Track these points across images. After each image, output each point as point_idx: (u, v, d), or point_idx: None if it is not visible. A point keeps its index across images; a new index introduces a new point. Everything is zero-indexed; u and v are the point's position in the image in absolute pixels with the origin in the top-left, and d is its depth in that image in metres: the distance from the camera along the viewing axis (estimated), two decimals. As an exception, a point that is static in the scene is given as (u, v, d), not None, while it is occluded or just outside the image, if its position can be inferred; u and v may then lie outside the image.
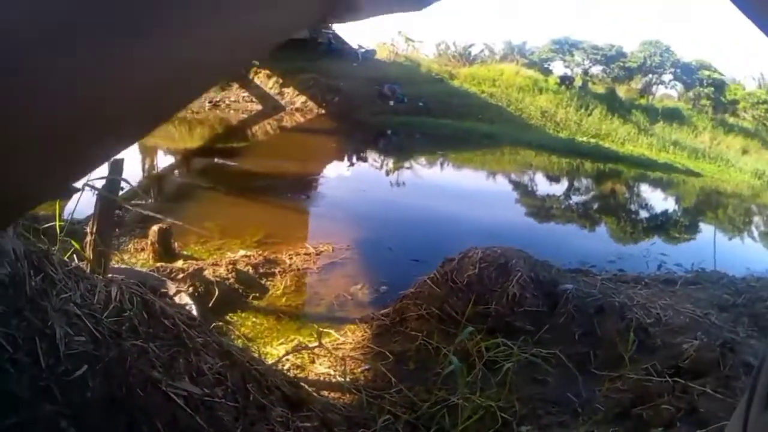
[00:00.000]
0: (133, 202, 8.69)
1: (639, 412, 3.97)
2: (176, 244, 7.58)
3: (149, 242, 7.26)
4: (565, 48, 38.67)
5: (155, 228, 7.23)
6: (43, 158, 0.54)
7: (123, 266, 5.98)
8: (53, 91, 0.46)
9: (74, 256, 3.64)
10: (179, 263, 6.88)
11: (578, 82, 32.31)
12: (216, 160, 14.65)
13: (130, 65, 0.49)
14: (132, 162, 12.57)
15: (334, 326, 5.88)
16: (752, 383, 0.77)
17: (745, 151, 28.58)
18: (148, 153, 15.44)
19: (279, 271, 7.19)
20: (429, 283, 6.02)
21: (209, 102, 24.41)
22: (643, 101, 34.16)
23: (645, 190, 19.18)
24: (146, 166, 14.09)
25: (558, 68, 37.87)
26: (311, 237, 8.84)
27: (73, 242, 3.81)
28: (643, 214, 15.58)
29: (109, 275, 3.46)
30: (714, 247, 7.63)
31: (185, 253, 7.54)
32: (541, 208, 14.26)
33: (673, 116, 31.60)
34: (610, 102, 30.06)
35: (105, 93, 0.51)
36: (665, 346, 4.81)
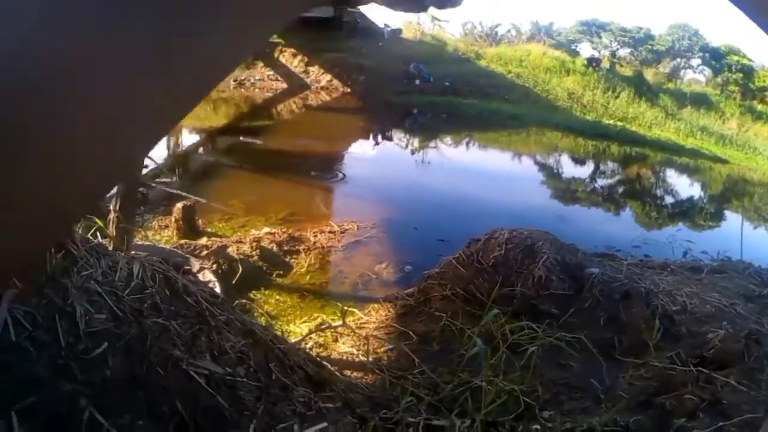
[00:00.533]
0: (157, 180, 8.71)
1: (662, 401, 3.93)
2: (200, 221, 7.61)
3: (173, 219, 7.28)
4: (592, 30, 38.27)
5: (179, 205, 7.25)
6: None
7: (146, 243, 5.98)
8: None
9: (97, 233, 3.62)
10: (203, 240, 6.91)
11: (606, 65, 31.96)
12: (241, 138, 14.69)
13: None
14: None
15: (358, 305, 5.87)
16: None
17: (773, 139, 28.10)
18: (173, 131, 15.50)
19: (303, 249, 7.18)
20: (454, 263, 5.99)
21: (234, 80, 24.45)
22: (670, 85, 33.78)
23: (671, 175, 18.93)
24: (171, 145, 14.14)
25: (585, 50, 37.57)
26: (336, 215, 8.82)
27: (96, 220, 3.79)
28: (669, 199, 15.38)
29: (132, 252, 3.44)
30: (741, 236, 7.48)
31: (209, 230, 7.56)
32: (567, 191, 14.18)
33: (700, 101, 31.14)
34: (637, 85, 29.67)
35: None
36: (690, 334, 4.76)
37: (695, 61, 38.11)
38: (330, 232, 7.86)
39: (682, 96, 31.13)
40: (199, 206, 7.69)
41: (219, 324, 2.89)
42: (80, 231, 2.89)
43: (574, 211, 12.50)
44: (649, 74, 33.48)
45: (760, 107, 32.96)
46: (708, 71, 37.66)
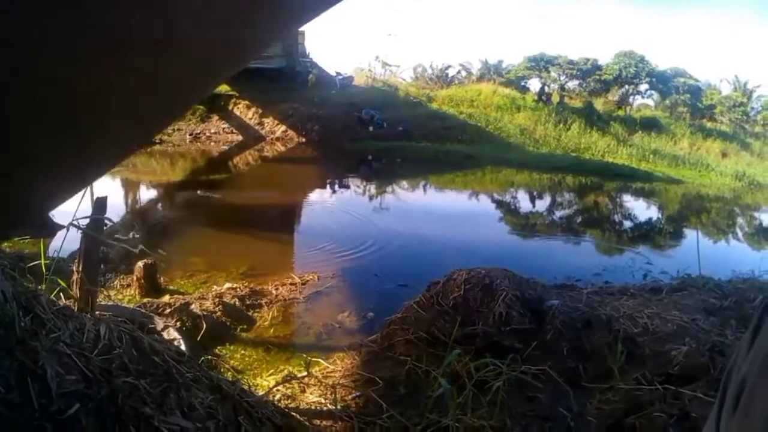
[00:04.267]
0: (117, 236, 8.68)
1: (632, 421, 4.02)
2: (162, 279, 7.58)
3: (135, 278, 7.25)
4: (540, 65, 38.88)
5: (140, 264, 7.22)
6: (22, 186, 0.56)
7: (110, 303, 5.97)
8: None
9: (61, 294, 3.65)
10: (166, 298, 6.87)
11: (555, 99, 32.65)
12: (199, 192, 14.66)
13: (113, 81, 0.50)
14: (115, 197, 12.58)
15: (323, 355, 5.87)
16: (722, 386, 0.80)
17: (724, 155, 29.17)
18: (130, 187, 15.48)
19: (266, 302, 7.17)
20: (415, 307, 6.05)
21: (189, 134, 24.48)
22: (621, 113, 34.74)
23: (627, 200, 19.35)
24: (129, 201, 14.10)
25: (535, 85, 38.11)
26: (296, 267, 8.84)
27: (59, 281, 3.81)
28: (627, 224, 15.70)
29: (97, 313, 3.47)
30: (698, 252, 7.67)
31: (171, 287, 7.53)
32: (525, 225, 14.34)
33: (651, 125, 32.09)
34: (588, 116, 30.37)
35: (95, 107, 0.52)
36: (654, 354, 4.89)
37: (643, 87, 39.03)
38: (291, 284, 7.85)
39: (633, 122, 32.18)
40: (161, 263, 7.67)
41: (186, 381, 2.92)
42: (46, 293, 2.91)
43: (534, 244, 12.66)
44: (598, 104, 34.41)
45: (709, 125, 34.51)
46: (656, 95, 38.73)
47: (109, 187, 13.63)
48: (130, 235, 9.69)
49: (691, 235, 13.54)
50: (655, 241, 13.51)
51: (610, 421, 4.17)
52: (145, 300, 6.77)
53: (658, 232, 14.84)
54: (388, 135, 24.86)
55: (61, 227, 4.01)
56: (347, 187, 17.96)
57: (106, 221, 4.80)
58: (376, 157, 22.62)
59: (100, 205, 4.62)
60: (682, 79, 36.88)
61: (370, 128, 25.17)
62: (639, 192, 20.49)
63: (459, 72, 40.81)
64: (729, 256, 11.93)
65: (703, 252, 7.82)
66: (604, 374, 4.86)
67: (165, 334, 5.12)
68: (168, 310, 6.28)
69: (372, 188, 17.66)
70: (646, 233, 14.43)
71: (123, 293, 7.25)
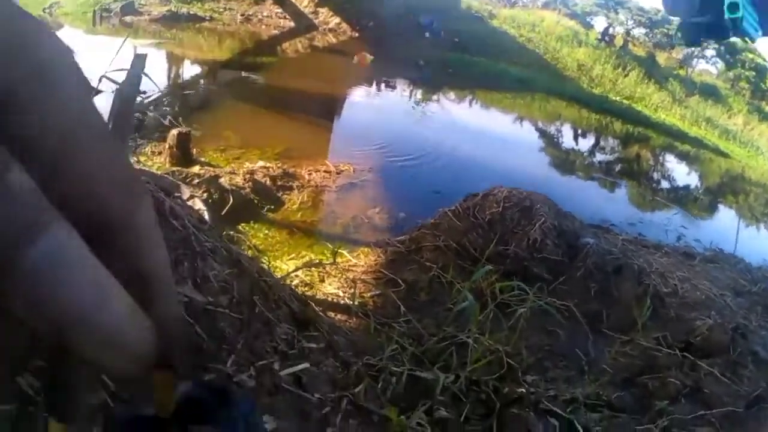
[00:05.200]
0: (154, 107, 8.55)
1: (645, 380, 3.97)
2: (194, 149, 7.45)
3: (167, 146, 7.11)
4: (609, 4, 37.80)
5: (174, 132, 7.09)
6: None
7: (138, 167, 5.84)
8: None
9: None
10: (196, 169, 6.77)
11: (619, 42, 31.69)
12: (243, 73, 14.44)
13: None
14: (157, 69, 12.39)
15: (348, 247, 5.75)
16: None
17: (777, 142, 27.94)
18: (174, 61, 15.27)
19: (297, 186, 7.08)
20: (450, 215, 5.88)
21: (241, 15, 24.13)
22: (681, 72, 33.52)
23: (671, 160, 18.65)
24: (171, 74, 13.92)
25: (600, 24, 37.08)
26: (333, 156, 8.66)
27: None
28: (666, 184, 15.21)
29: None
30: (737, 230, 7.43)
31: (203, 159, 7.40)
32: (565, 161, 14.00)
33: (709, 92, 30.87)
34: (648, 66, 29.34)
35: None
36: (679, 319, 4.75)
37: (709, 52, 37.70)
38: (325, 171, 7.73)
39: (692, 84, 30.93)
40: (196, 135, 7.54)
41: (204, 251, 2.76)
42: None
43: (572, 180, 12.39)
44: (661, 58, 33.18)
45: None
46: (721, 64, 37.20)
47: (153, 58, 13.47)
48: (170, 108, 9.56)
49: (726, 211, 13.22)
50: (692, 207, 13.11)
51: (624, 375, 4.10)
52: (174, 169, 6.64)
53: (696, 200, 14.38)
54: (444, 44, 24.29)
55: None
56: (394, 88, 17.63)
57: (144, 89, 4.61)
58: (427, 64, 22.10)
59: (139, 60, 4.42)
60: (750, 55, 35.34)
61: (427, 34, 24.68)
62: (684, 155, 19.74)
63: (525, -6, 39.93)
64: (761, 244, 11.55)
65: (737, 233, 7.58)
66: (626, 325, 4.75)
67: (190, 204, 4.98)
68: (196, 181, 6.18)
69: (419, 94, 17.35)
70: (683, 197, 13.98)
71: (153, 160, 7.13)
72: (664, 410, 3.59)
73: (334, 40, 23.31)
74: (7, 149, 0.28)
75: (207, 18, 23.21)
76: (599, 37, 31.35)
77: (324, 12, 25.27)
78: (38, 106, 0.30)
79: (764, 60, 35.34)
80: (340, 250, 5.45)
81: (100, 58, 7.51)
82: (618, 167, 15.37)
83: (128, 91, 4.37)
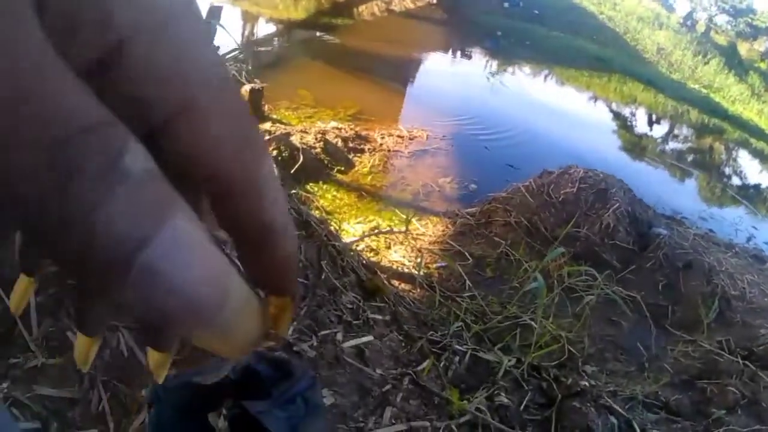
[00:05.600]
0: (228, 62, 8.53)
1: (704, 385, 3.91)
2: (267, 106, 7.43)
3: (240, 101, 7.10)
4: (694, -12, 36.85)
5: (246, 87, 7.05)
6: None
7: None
8: None
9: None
10: (267, 125, 6.75)
11: (701, 28, 30.83)
12: (318, 34, 14.42)
13: None
14: (232, 25, 12.47)
15: (416, 215, 5.69)
16: None
17: None
18: (248, 19, 15.32)
19: (368, 149, 6.99)
20: (523, 191, 5.81)
21: (319, -25, 24.12)
22: (763, 65, 32.35)
23: (744, 156, 18.11)
24: (245, 32, 13.97)
25: (682, 8, 36.21)
26: (406, 121, 8.54)
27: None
28: (737, 180, 14.74)
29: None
30: None
31: (274, 116, 7.37)
32: (638, 145, 13.72)
33: None
34: (729, 56, 28.43)
35: None
36: (744, 324, 4.69)
37: None
38: (398, 136, 7.63)
39: None
40: (268, 92, 7.49)
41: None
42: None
43: (643, 167, 12.07)
44: (743, 48, 32.06)
45: None
46: None
47: (228, 13, 13.56)
48: (243, 63, 9.56)
49: None
50: (763, 207, 12.65)
51: (684, 376, 4.06)
52: (245, 125, 6.63)
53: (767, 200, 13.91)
54: (523, 15, 23.97)
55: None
56: (469, 57, 17.45)
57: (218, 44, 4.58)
58: (505, 35, 21.79)
59: (214, 12, 4.37)
60: None
61: (506, 4, 24.41)
62: (759, 153, 19.05)
63: (609, -30, 39.10)
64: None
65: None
66: (691, 324, 4.72)
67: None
68: (267, 138, 6.11)
69: (494, 64, 17.16)
70: (756, 197, 13.49)
71: (223, 116, 7.14)
72: (722, 420, 3.52)
73: (411, 6, 23.13)
74: (125, 116, 0.24)
75: (284, -24, 23.33)
76: (681, 21, 30.60)
77: (402, -24, 25.13)
78: (159, 53, 0.27)
79: None
80: (411, 219, 5.36)
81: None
82: (691, 157, 14.95)
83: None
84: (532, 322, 3.81)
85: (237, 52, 9.61)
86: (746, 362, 4.02)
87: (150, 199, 0.24)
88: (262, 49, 12.05)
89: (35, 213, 0.22)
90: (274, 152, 5.85)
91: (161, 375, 0.37)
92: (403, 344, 2.93)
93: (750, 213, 10.84)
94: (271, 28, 15.24)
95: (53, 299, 2.00)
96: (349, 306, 2.77)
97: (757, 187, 14.47)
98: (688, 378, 4.00)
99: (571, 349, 3.81)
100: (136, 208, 0.23)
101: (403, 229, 5.02)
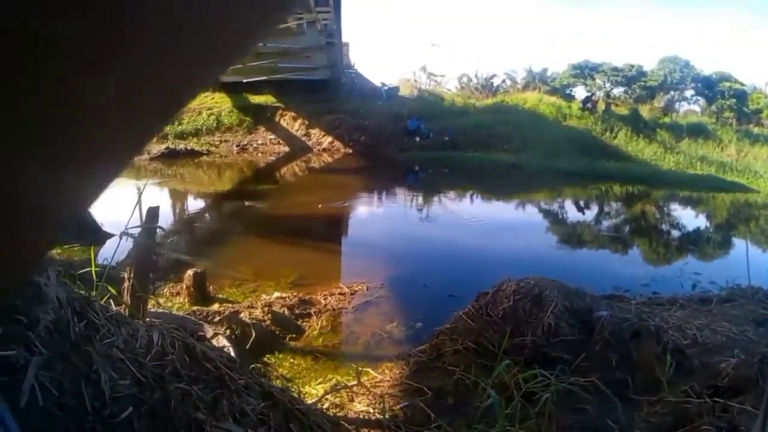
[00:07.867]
0: (165, 246, 8.78)
1: None
2: (211, 287, 7.65)
3: (184, 286, 7.33)
4: (585, 72, 38.97)
5: (190, 272, 7.31)
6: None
7: (160, 310, 6.03)
8: None
9: (111, 301, 3.68)
10: (215, 306, 6.95)
11: (601, 106, 32.41)
12: (246, 203, 14.80)
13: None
14: (163, 207, 12.75)
15: (372, 364, 5.86)
16: (766, 396, 0.78)
17: (772, 160, 28.34)
18: (178, 198, 15.68)
19: (314, 312, 7.19)
20: (464, 317, 5.99)
21: (237, 146, 24.88)
22: (667, 119, 34.37)
23: (675, 208, 19.09)
24: (177, 211, 14.27)
25: (580, 93, 38.19)
26: (345, 277, 8.82)
27: (110, 287, 3.85)
28: (675, 233, 15.40)
29: (148, 320, 3.49)
30: (747, 261, 7.46)
31: (220, 296, 7.60)
32: (572, 235, 14.19)
33: (698, 131, 31.78)
34: (634, 123, 30.30)
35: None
36: (703, 366, 4.78)
37: (689, 92, 38.94)
38: (340, 293, 7.86)
39: (679, 128, 31.91)
40: (210, 272, 7.72)
41: (238, 387, 2.93)
42: (98, 300, 2.93)
43: (581, 253, 12.56)
44: (644, 111, 34.17)
45: (756, 130, 33.69)
46: (702, 101, 38.47)
47: (156, 196, 13.88)
48: (179, 245, 9.80)
49: (739, 243, 13.25)
50: (704, 250, 13.22)
51: None
52: (194, 308, 6.83)
53: (707, 241, 14.56)
54: (434, 145, 24.97)
55: (111, 236, 4.04)
56: (394, 197, 18.00)
57: (158, 230, 4.85)
58: (422, 167, 22.66)
59: (152, 214, 4.67)
60: (727, 84, 36.47)
61: (417, 138, 25.33)
62: (686, 200, 20.29)
63: (504, 81, 41.00)
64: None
65: (752, 261, 7.61)
66: (653, 386, 4.79)
67: (214, 342, 5.14)
68: (217, 318, 6.33)
69: (419, 198, 17.76)
70: (694, 242, 14.14)
71: (172, 301, 7.33)
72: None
73: (329, 159, 23.90)
74: None
75: (204, 152, 23.94)
76: (581, 105, 32.04)
77: (315, 132, 26.04)
78: None
79: (741, 84, 36.30)
80: (364, 369, 5.56)
81: (107, 202, 7.76)
82: (625, 229, 15.63)
83: (146, 244, 4.59)
84: (498, 434, 3.91)
85: (173, 235, 9.86)
86: (714, 398, 4.11)
87: None
88: (196, 225, 12.33)
89: None
90: (227, 331, 6.04)
91: None
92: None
93: (692, 261, 11.28)
94: (201, 204, 15.69)
95: None
96: (323, 461, 2.98)
97: (696, 231, 15.43)
98: (664, 432, 4.10)
99: (545, 446, 3.95)
100: None
101: (355, 382, 5.18)
